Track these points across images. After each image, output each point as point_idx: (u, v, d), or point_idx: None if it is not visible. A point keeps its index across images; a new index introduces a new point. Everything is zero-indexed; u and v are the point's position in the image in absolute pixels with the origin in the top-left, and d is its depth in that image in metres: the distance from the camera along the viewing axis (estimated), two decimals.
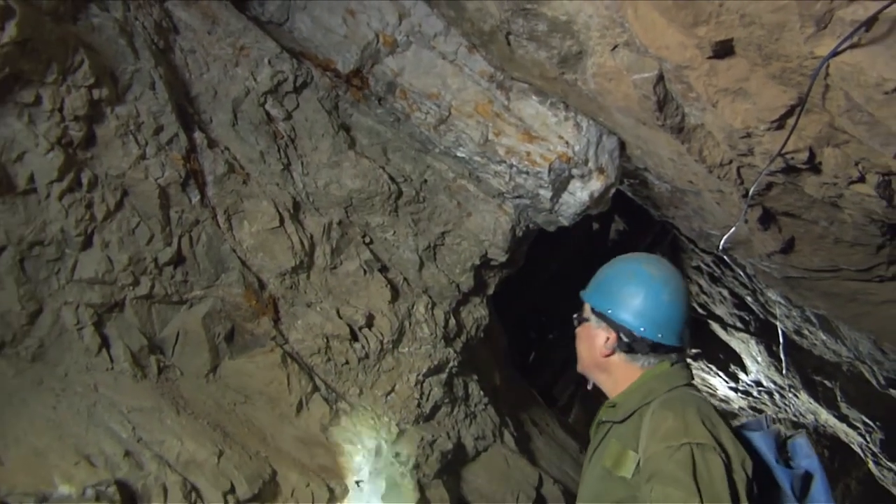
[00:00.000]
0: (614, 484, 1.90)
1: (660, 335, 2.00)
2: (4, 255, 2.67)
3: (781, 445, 2.04)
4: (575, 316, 2.22)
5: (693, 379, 2.09)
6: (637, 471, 1.84)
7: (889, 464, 7.49)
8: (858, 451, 7.88)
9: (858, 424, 7.39)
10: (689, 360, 2.17)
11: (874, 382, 6.03)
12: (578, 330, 2.20)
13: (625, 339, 2.03)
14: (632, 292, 2.02)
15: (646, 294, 2.01)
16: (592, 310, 2.11)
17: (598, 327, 2.08)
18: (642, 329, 1.99)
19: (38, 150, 2.71)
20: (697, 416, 1.79)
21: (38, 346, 2.75)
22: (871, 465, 7.96)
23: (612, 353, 2.07)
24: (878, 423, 7.13)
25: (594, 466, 2.06)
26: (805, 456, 2.02)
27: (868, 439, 7.48)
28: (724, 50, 2.33)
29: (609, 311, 2.04)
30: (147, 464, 2.62)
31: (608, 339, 2.05)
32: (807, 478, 1.97)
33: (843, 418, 7.44)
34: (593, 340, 2.10)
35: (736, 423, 2.18)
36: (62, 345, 2.81)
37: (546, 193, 3.74)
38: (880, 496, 8.35)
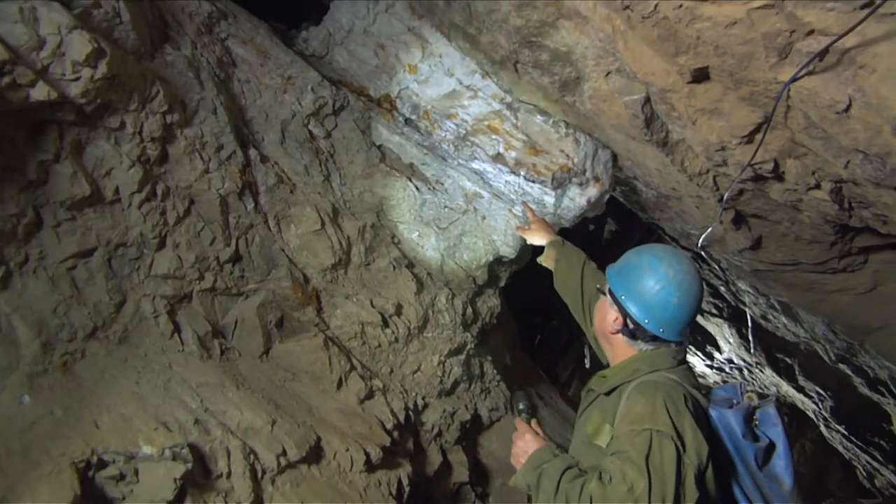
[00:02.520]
0: (592, 450, 1.92)
1: (662, 330, 1.97)
2: (95, 254, 2.72)
3: (751, 416, 2.00)
4: (598, 287, 2.22)
5: (680, 363, 2.04)
6: (610, 442, 1.85)
7: (837, 426, 7.48)
8: (812, 416, 7.87)
9: (813, 394, 7.36)
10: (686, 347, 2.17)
11: (826, 359, 6.00)
12: (599, 300, 2.19)
13: (630, 326, 2.01)
14: (646, 287, 1.98)
15: (657, 292, 1.96)
16: (609, 289, 2.08)
17: (611, 306, 2.06)
18: (646, 321, 1.96)
19: (122, 167, 2.76)
20: (664, 404, 1.77)
21: (123, 330, 2.78)
22: (822, 428, 7.94)
23: (617, 332, 2.05)
24: (828, 392, 7.09)
25: (579, 429, 2.08)
26: (772, 425, 1.99)
27: (820, 406, 7.46)
28: (701, 76, 2.34)
29: (622, 297, 2.01)
30: (213, 430, 2.65)
31: (616, 319, 2.04)
32: (770, 447, 1.95)
33: (800, 389, 7.40)
34: (605, 315, 2.09)
35: (714, 387, 2.19)
36: (142, 330, 2.84)
37: (550, 199, 3.74)
38: (829, 454, 8.37)
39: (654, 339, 2.01)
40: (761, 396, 2.10)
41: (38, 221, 2.57)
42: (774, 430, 1.98)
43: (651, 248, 2.11)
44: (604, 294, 2.13)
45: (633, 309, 1.98)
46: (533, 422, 2.24)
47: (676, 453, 1.68)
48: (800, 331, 5.83)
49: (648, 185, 3.91)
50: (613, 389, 1.99)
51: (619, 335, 2.06)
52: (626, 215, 6.38)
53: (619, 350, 2.09)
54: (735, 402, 2.03)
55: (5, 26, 2.23)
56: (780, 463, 1.95)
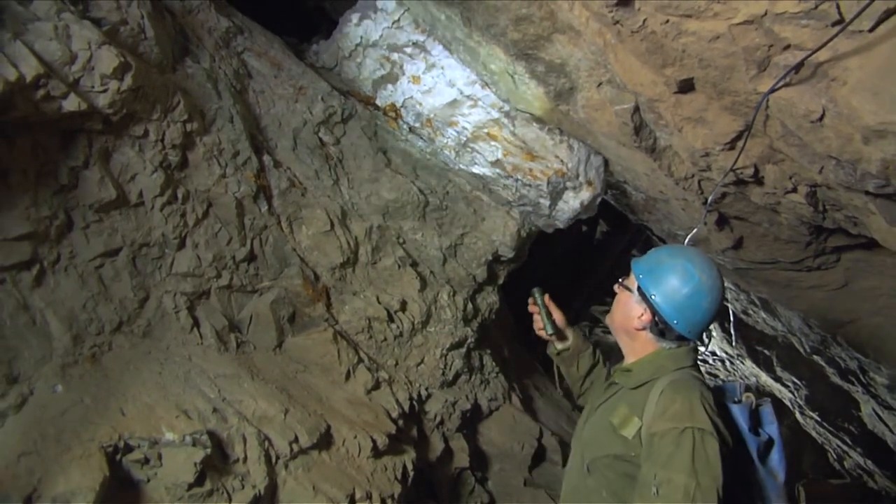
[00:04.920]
0: (616, 439, 1.88)
1: (689, 331, 1.95)
2: (121, 254, 2.74)
3: (753, 413, 2.01)
4: (620, 280, 2.11)
5: (696, 361, 2.05)
6: (637, 435, 1.82)
7: (811, 413, 7.50)
8: (788, 404, 7.88)
9: (789, 383, 7.36)
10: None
11: (801, 350, 6.00)
12: (620, 294, 2.10)
13: (658, 325, 1.97)
14: (679, 289, 1.93)
15: (690, 295, 1.92)
16: (639, 286, 2.01)
17: (639, 303, 2.01)
18: (675, 322, 1.94)
19: (145, 172, 2.78)
20: (700, 402, 1.76)
21: (147, 325, 2.80)
22: (798, 415, 7.96)
23: (643, 329, 2.00)
24: (803, 381, 7.09)
25: (600, 418, 2.02)
26: (769, 423, 2.01)
27: (796, 395, 7.47)
28: (686, 86, 2.35)
29: (654, 297, 1.95)
30: (230, 418, 2.65)
31: (642, 315, 1.99)
32: (769, 442, 1.97)
33: (777, 379, 7.41)
34: (630, 311, 2.04)
35: (715, 384, 2.13)
36: (164, 324, 2.84)
37: (545, 202, 3.77)
38: (803, 438, 8.42)
39: (679, 337, 1.99)
40: (758, 396, 2.12)
41: (69, 223, 2.59)
42: (771, 427, 2.01)
43: (683, 251, 2.07)
44: (629, 290, 2.06)
45: (664, 309, 1.94)
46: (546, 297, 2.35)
47: (719, 447, 1.69)
48: (778, 325, 5.85)
49: (638, 188, 3.92)
50: (641, 384, 1.96)
51: (645, 332, 2.02)
52: (616, 217, 6.39)
53: (639, 345, 2.05)
54: (736, 399, 2.05)
55: (41, 43, 2.26)
56: (776, 457, 1.98)
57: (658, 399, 1.83)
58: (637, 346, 2.06)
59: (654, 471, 1.69)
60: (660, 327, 1.98)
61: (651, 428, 1.79)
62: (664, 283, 1.96)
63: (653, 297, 1.96)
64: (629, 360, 2.09)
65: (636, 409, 1.89)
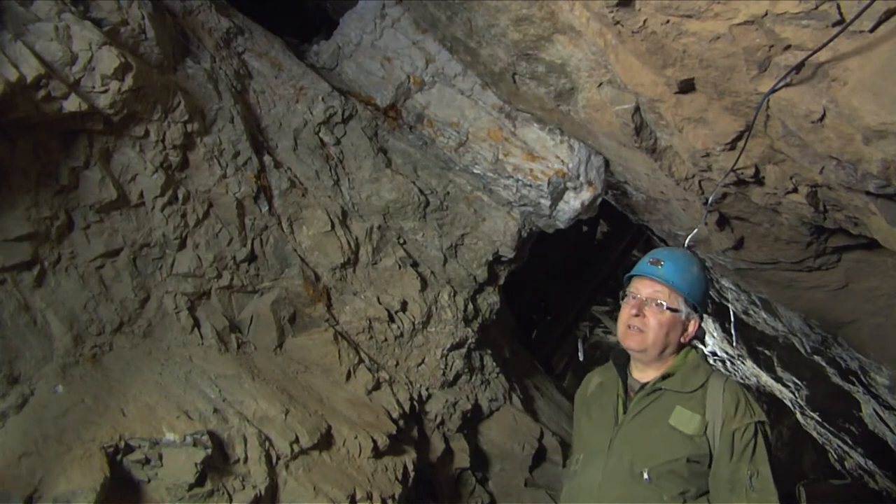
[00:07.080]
0: (684, 441, 1.89)
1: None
2: (122, 254, 2.75)
3: None
4: (659, 303, 2.00)
5: None
6: (703, 433, 1.87)
7: (811, 413, 7.52)
8: (789, 404, 7.90)
9: (790, 384, 7.39)
10: None
11: (802, 351, 6.01)
12: (661, 316, 1.99)
13: (699, 328, 2.05)
14: (707, 290, 2.07)
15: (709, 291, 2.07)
16: (686, 302, 2.00)
17: (689, 317, 2.02)
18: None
19: (146, 173, 2.79)
20: (753, 398, 1.92)
21: (147, 325, 2.80)
22: (798, 416, 7.98)
23: (694, 338, 2.06)
24: (804, 382, 7.13)
25: (649, 425, 1.97)
26: None
27: (796, 395, 7.49)
28: (687, 87, 2.35)
29: (701, 308, 2.03)
30: (231, 418, 2.65)
31: (691, 328, 2.03)
32: None
33: (778, 379, 7.43)
34: (681, 327, 2.02)
35: None
36: (164, 325, 2.85)
37: (546, 202, 3.76)
38: (803, 439, 8.45)
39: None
40: None
41: (70, 223, 2.60)
42: None
43: (692, 255, 2.13)
44: (674, 311, 2.00)
45: (706, 313, 2.06)
46: None
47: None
48: (778, 325, 5.85)
49: (638, 188, 3.93)
50: (699, 387, 1.97)
51: (691, 340, 2.08)
52: (617, 217, 6.39)
53: (669, 352, 2.04)
54: None
55: (42, 44, 2.27)
56: None
57: (724, 397, 1.90)
58: (665, 353, 2.04)
59: (743, 465, 1.82)
60: (701, 329, 2.08)
61: (730, 425, 1.86)
62: (704, 290, 2.06)
63: (701, 307, 2.05)
64: (657, 368, 2.05)
65: (697, 408, 1.93)
